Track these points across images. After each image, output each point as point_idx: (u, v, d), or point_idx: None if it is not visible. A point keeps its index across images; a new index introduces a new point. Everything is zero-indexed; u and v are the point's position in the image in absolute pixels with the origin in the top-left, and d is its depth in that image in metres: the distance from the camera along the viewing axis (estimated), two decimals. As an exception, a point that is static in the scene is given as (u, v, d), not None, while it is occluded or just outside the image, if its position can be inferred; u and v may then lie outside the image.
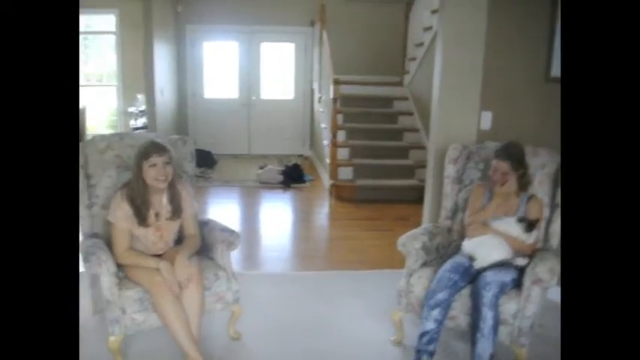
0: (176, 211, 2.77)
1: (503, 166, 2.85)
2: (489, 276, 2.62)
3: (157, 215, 2.73)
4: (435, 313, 2.66)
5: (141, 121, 8.07)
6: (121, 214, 2.64)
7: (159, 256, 2.73)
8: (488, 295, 2.54)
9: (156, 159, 2.61)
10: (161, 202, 2.73)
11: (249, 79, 9.26)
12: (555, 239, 2.96)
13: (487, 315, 2.53)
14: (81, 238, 2.88)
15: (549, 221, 2.98)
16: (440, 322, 2.67)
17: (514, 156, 2.87)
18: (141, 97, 7.98)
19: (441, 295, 2.66)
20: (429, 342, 2.68)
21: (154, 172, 2.61)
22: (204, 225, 3.07)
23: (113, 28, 8.33)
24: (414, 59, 7.53)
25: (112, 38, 8.43)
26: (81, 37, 8.79)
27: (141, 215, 2.65)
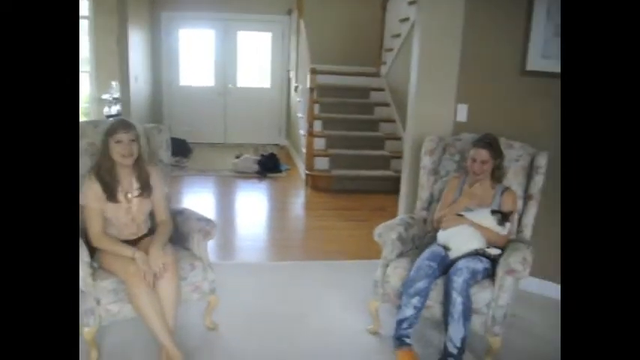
0: (145, 188, 2.75)
1: (483, 153, 2.89)
2: (461, 263, 2.68)
3: (126, 195, 2.72)
4: (415, 300, 2.70)
5: (115, 109, 7.93)
6: (91, 193, 2.63)
7: (132, 243, 2.71)
8: (458, 281, 2.58)
9: (121, 135, 2.63)
10: (130, 181, 2.73)
11: (226, 67, 9.17)
12: (528, 230, 3.02)
13: (457, 300, 2.57)
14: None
15: (523, 213, 3.04)
16: (419, 309, 2.72)
17: (492, 144, 2.92)
18: (115, 83, 7.84)
19: (420, 284, 2.69)
20: (409, 326, 2.73)
21: (120, 148, 2.63)
22: (179, 214, 3.05)
23: (86, 13, 8.14)
24: (390, 50, 7.55)
25: (85, 23, 8.24)
26: (52, 21, 8.61)
27: (110, 190, 2.65)
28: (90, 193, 2.64)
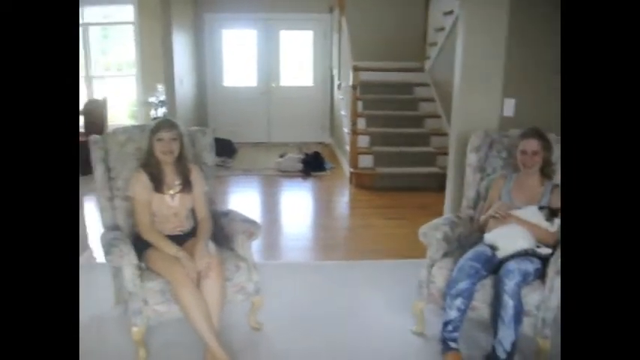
0: (185, 185, 2.86)
1: (533, 144, 2.81)
2: (512, 265, 2.58)
3: (168, 189, 2.83)
4: (458, 302, 2.64)
5: (161, 111, 8.06)
6: (140, 185, 2.77)
7: (177, 241, 2.75)
8: (510, 284, 2.50)
9: (163, 134, 2.77)
10: (172, 177, 2.84)
11: (269, 66, 9.23)
12: (580, 228, 2.90)
13: (508, 303, 2.49)
14: (102, 230, 2.92)
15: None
16: (463, 311, 2.66)
17: (542, 134, 2.83)
18: (161, 87, 7.99)
19: (462, 285, 2.63)
20: (454, 330, 2.67)
21: (161, 146, 2.77)
22: (224, 215, 3.08)
23: (132, 19, 8.34)
24: (434, 44, 7.43)
25: (131, 28, 8.44)
26: (100, 27, 8.84)
27: (156, 180, 2.79)
28: (138, 185, 2.77)
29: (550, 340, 2.58)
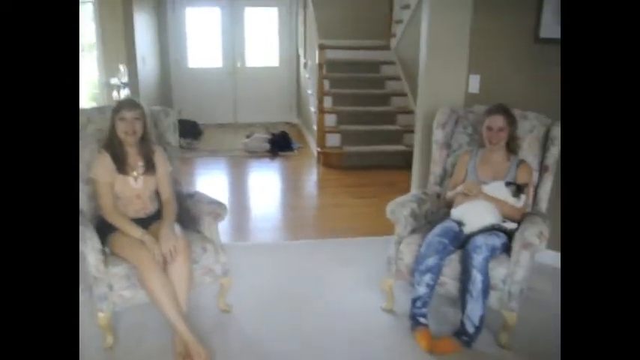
0: (149, 166, 2.79)
1: (499, 120, 2.82)
2: (479, 240, 2.61)
3: (132, 171, 2.76)
4: (427, 278, 2.66)
5: (123, 93, 7.89)
6: (102, 166, 2.70)
7: (141, 224, 2.69)
8: (478, 259, 2.53)
9: (125, 113, 2.68)
10: (135, 158, 2.77)
11: (234, 46, 9.08)
12: (544, 203, 2.95)
13: (477, 278, 2.53)
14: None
15: (538, 185, 2.97)
16: (432, 287, 2.68)
17: (507, 110, 2.85)
18: (123, 67, 7.80)
19: (431, 260, 2.65)
20: (423, 306, 2.70)
21: (123, 126, 2.68)
22: (190, 197, 3.03)
23: (91, -3, 8.08)
24: (400, 22, 7.40)
25: (90, 8, 8.17)
26: (58, 6, 8.54)
27: (119, 162, 2.71)
28: (101, 167, 2.69)
29: (516, 312, 2.62)
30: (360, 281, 3.34)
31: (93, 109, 3.05)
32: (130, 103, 2.76)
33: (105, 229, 2.67)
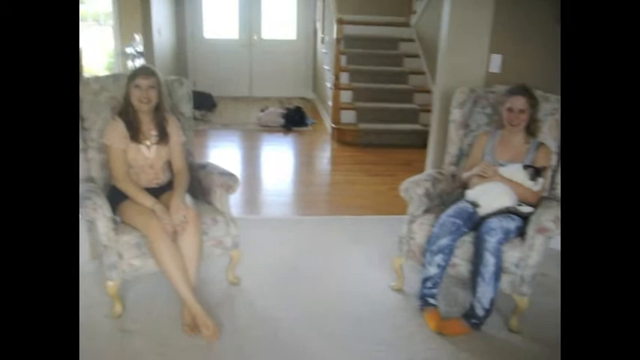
0: (162, 136, 2.77)
1: (520, 101, 2.75)
2: (494, 222, 2.56)
3: (145, 140, 2.74)
4: (438, 258, 2.63)
5: (138, 63, 7.85)
6: (116, 133, 2.67)
7: (153, 194, 2.68)
8: (492, 241, 2.49)
9: (140, 81, 2.65)
10: (149, 127, 2.75)
11: (251, 18, 8.98)
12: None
13: (489, 260, 2.49)
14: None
15: (556, 170, 2.90)
16: (443, 268, 2.65)
17: (530, 92, 2.77)
18: (138, 37, 7.75)
19: (444, 241, 2.61)
20: (433, 286, 2.67)
21: (138, 93, 2.66)
22: (201, 168, 3.00)
23: (108, -35, 8.00)
24: (421, -2, 7.26)
25: (108, -25, 8.10)
26: (75, -27, 8.47)
27: (133, 129, 2.70)
28: (114, 133, 2.67)
29: (527, 297, 2.59)
30: (371, 259, 3.31)
31: (107, 77, 3.02)
32: (146, 71, 2.71)
33: (116, 198, 2.67)
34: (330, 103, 6.83)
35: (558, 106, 2.93)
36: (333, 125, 6.51)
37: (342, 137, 6.40)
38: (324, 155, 6.23)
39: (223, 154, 6.05)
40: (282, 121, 7.07)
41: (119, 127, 2.67)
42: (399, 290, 2.97)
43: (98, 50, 8.79)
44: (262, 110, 7.40)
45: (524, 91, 2.77)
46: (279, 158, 6.14)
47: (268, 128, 7.01)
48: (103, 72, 8.63)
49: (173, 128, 2.80)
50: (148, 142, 2.73)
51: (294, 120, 7.09)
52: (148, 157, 2.74)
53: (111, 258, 2.52)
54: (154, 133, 2.75)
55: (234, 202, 2.95)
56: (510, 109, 2.77)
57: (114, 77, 3.01)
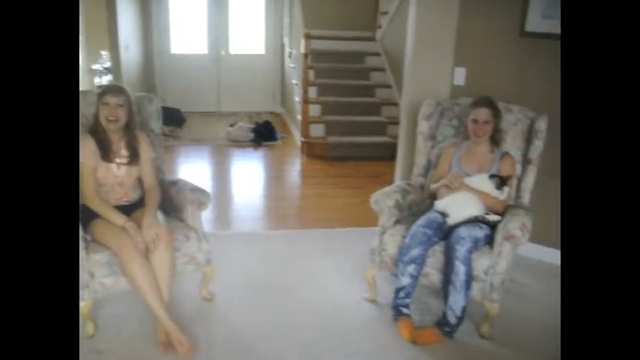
0: (134, 156, 2.75)
1: (484, 113, 2.83)
2: (463, 231, 2.62)
3: (115, 158, 2.71)
4: (410, 268, 2.67)
5: (106, 79, 7.78)
6: (86, 150, 2.63)
7: (123, 211, 2.66)
8: (461, 250, 2.55)
9: (109, 98, 2.63)
10: (119, 146, 2.72)
11: (218, 33, 8.97)
12: (527, 195, 2.98)
13: (460, 269, 2.54)
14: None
15: (521, 178, 2.99)
16: (415, 278, 2.70)
17: (493, 103, 2.86)
18: (105, 53, 7.68)
19: (415, 251, 2.66)
20: (406, 296, 2.71)
21: (106, 111, 2.64)
22: (172, 185, 3.00)
23: (73, -20, 7.93)
24: (386, 13, 7.38)
25: (72, -9, 8.03)
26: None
27: (104, 148, 2.67)
28: (85, 151, 2.62)
29: (497, 303, 2.65)
30: (343, 271, 3.34)
31: (75, 94, 2.99)
32: (114, 89, 2.70)
33: (86, 216, 2.63)
34: (299, 117, 6.87)
35: (521, 116, 3.03)
36: (303, 139, 6.55)
37: (312, 151, 6.44)
38: (294, 169, 6.26)
39: (193, 169, 6.02)
40: (251, 135, 7.07)
41: (89, 145, 2.64)
42: (373, 301, 3.00)
43: (63, 67, 8.65)
44: (231, 125, 7.39)
45: (488, 103, 2.86)
46: (249, 173, 6.14)
47: (238, 143, 7.00)
48: (68, 89, 8.49)
49: (143, 145, 2.79)
50: (118, 160, 2.71)
51: (263, 134, 7.10)
52: (117, 176, 2.72)
53: (82, 277, 2.49)
54: (124, 153, 2.72)
55: (205, 217, 2.94)
56: (475, 121, 2.86)
57: (82, 94, 2.97)
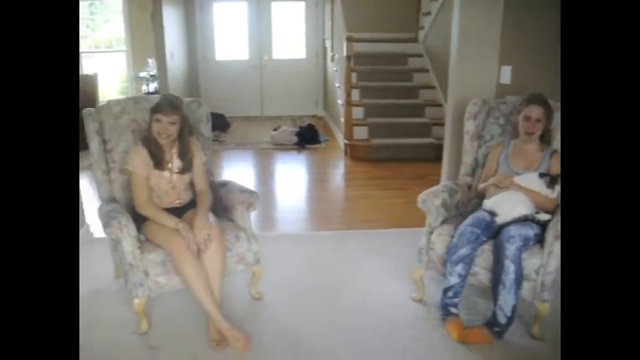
0: (186, 166, 2.80)
1: (537, 111, 2.79)
2: (513, 230, 2.59)
3: (168, 166, 2.76)
4: (459, 268, 2.66)
5: (152, 86, 8.02)
6: (139, 160, 2.69)
7: (175, 213, 2.73)
8: (511, 249, 2.51)
9: (161, 116, 2.66)
10: (171, 154, 2.77)
11: (260, 39, 9.12)
12: (578, 194, 2.91)
13: (510, 268, 2.51)
14: (99, 203, 2.90)
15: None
16: (463, 277, 2.67)
17: (546, 101, 2.82)
18: (151, 61, 7.91)
19: (463, 250, 2.64)
20: (454, 296, 2.69)
21: (158, 127, 2.67)
22: (222, 186, 3.07)
23: (121, -6, 8.20)
24: (428, 14, 7.36)
25: (119, 2, 8.30)
26: (87, 3, 8.68)
27: (156, 158, 2.72)
28: (138, 160, 2.69)
29: (549, 303, 2.60)
30: (390, 272, 3.34)
31: (127, 100, 3.09)
32: (167, 107, 2.67)
33: (139, 217, 2.72)
34: (342, 119, 6.90)
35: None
36: (346, 142, 6.57)
37: (355, 153, 6.46)
38: (338, 172, 6.29)
39: (238, 173, 6.12)
40: (295, 139, 7.14)
41: (142, 154, 2.70)
42: (420, 301, 2.99)
43: (111, 76, 8.97)
44: (275, 129, 7.49)
45: (541, 100, 2.82)
46: (293, 176, 6.21)
47: (282, 147, 7.09)
48: (117, 96, 8.80)
49: (195, 150, 2.84)
50: (171, 165, 2.77)
51: (306, 138, 7.17)
52: (170, 182, 2.79)
53: (137, 276, 2.58)
54: (177, 163, 2.77)
55: (252, 219, 3.00)
56: (527, 118, 2.82)
57: (134, 100, 3.09)
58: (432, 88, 7.10)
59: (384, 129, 6.61)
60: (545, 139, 2.88)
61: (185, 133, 2.77)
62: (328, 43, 8.38)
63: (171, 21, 7.41)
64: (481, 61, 3.72)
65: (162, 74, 7.06)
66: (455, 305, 2.70)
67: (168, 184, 2.79)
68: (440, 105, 6.72)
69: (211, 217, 2.75)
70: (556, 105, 2.98)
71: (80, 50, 8.29)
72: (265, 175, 6.22)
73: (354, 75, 6.90)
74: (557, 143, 2.93)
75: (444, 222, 2.91)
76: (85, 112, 2.87)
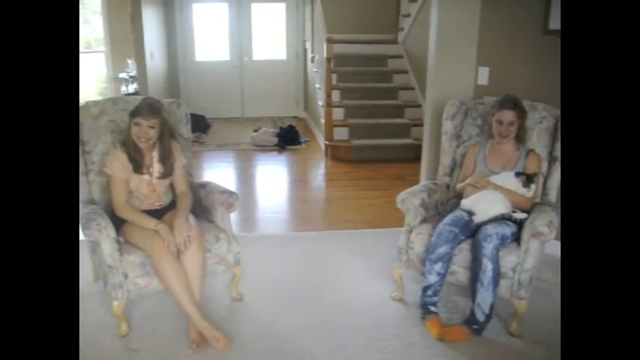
0: (167, 170, 2.78)
1: (509, 115, 2.84)
2: (490, 229, 2.63)
3: (148, 169, 2.75)
4: (437, 267, 2.69)
5: (132, 87, 7.94)
6: (118, 164, 2.67)
7: (155, 215, 2.72)
8: (489, 247, 2.55)
9: (140, 120, 2.63)
10: (150, 158, 2.75)
11: (241, 40, 9.10)
12: (554, 193, 2.97)
13: (487, 266, 2.55)
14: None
15: (548, 175, 2.98)
16: (442, 276, 2.71)
17: (517, 104, 2.86)
18: (131, 62, 7.84)
19: (442, 249, 2.68)
20: (434, 294, 2.72)
21: (137, 131, 2.65)
22: (202, 187, 3.06)
23: (99, -7, 8.10)
24: (408, 15, 7.40)
25: (98, 3, 8.21)
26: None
27: (136, 162, 2.69)
28: (117, 164, 2.67)
29: (526, 301, 2.65)
30: (370, 271, 3.37)
31: (106, 100, 3.07)
32: (147, 111, 2.64)
33: (118, 219, 2.70)
34: (322, 120, 6.92)
35: (546, 114, 3.02)
36: (327, 142, 6.59)
37: (336, 154, 6.48)
38: (319, 172, 6.30)
39: (219, 174, 6.10)
40: (275, 140, 7.14)
41: (121, 159, 2.67)
42: (400, 300, 3.02)
43: (90, 76, 8.85)
44: (255, 130, 7.48)
45: (513, 103, 2.85)
46: (274, 177, 6.21)
47: (262, 148, 7.08)
48: (95, 98, 8.68)
49: (176, 154, 2.82)
50: (151, 170, 2.75)
51: (287, 139, 7.17)
52: (150, 185, 2.77)
53: (116, 278, 2.56)
54: (158, 167, 2.75)
55: (232, 220, 2.99)
56: (500, 122, 2.86)
57: (113, 100, 3.06)
58: (412, 89, 7.15)
59: (365, 130, 6.64)
60: (520, 138, 2.92)
61: (165, 136, 2.75)
62: (308, 45, 8.40)
63: (151, 21, 7.36)
64: (459, 63, 3.77)
65: (141, 75, 6.99)
66: (434, 304, 2.73)
67: (148, 187, 2.77)
68: (419, 106, 6.77)
69: (191, 218, 2.74)
70: (531, 105, 3.03)
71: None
72: (246, 176, 6.21)
73: (334, 76, 6.91)
74: (532, 143, 2.99)
75: (422, 221, 2.94)
76: (63, 112, 2.84)
